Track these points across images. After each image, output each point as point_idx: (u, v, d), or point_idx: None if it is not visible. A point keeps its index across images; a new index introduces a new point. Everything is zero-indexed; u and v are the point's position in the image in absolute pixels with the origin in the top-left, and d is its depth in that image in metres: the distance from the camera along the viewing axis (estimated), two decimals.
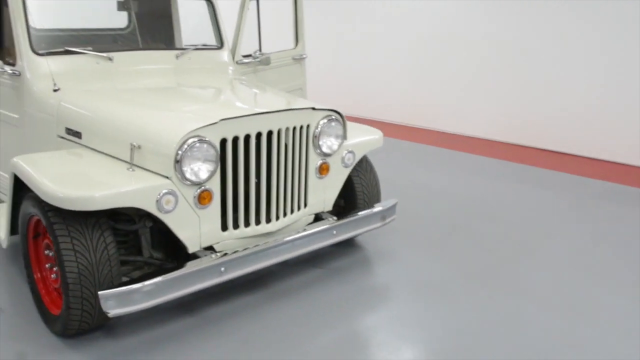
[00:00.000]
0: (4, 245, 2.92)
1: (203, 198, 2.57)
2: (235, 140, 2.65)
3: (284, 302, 2.98)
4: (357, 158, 3.25)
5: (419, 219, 4.27)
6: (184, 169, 2.46)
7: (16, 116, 3.24)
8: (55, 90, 3.01)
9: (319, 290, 3.13)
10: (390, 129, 7.98)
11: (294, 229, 3.00)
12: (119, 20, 4.45)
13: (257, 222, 2.82)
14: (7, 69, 3.13)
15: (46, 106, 3.00)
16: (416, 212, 4.40)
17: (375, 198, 3.53)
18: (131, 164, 2.54)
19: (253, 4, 4.17)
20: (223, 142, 2.61)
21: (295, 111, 2.84)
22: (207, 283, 2.57)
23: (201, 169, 2.51)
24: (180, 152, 2.45)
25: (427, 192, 5.00)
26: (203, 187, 2.56)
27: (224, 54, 3.94)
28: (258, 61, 4.12)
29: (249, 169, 2.72)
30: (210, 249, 2.71)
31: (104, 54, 3.31)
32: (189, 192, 2.53)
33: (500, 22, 7.22)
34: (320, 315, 2.88)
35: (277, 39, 4.86)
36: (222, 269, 2.60)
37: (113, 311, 2.31)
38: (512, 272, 3.41)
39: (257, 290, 3.07)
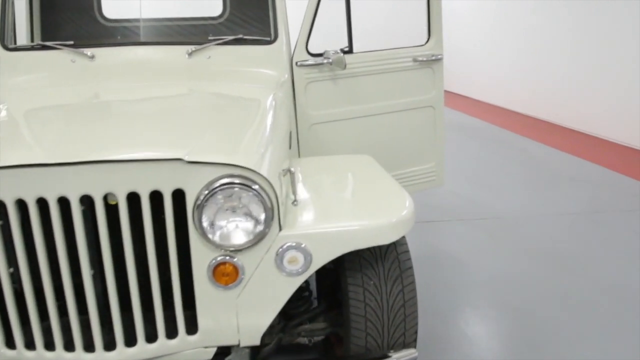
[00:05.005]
0: None
1: None
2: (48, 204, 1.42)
3: None
4: (321, 261, 1.57)
5: None
6: None
7: None
8: None
9: None
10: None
11: None
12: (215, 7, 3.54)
13: (69, 345, 1.55)
14: None
15: None
16: None
17: (397, 334, 1.75)
18: None
19: None
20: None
21: (126, 164, 1.40)
22: None
23: None
24: None
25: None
26: None
27: (276, 52, 2.60)
28: (329, 63, 2.64)
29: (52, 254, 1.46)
30: None
31: (86, 51, 2.44)
32: None
33: None
34: None
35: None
36: None
37: None
38: None
39: None
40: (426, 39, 2.93)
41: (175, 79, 2.41)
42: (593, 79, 6.28)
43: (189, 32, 3.20)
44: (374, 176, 1.96)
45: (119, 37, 3.26)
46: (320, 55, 2.66)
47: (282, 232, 1.53)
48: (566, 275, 3.01)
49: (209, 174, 1.44)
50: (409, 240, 3.49)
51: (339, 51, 2.58)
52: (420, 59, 2.88)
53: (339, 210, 1.66)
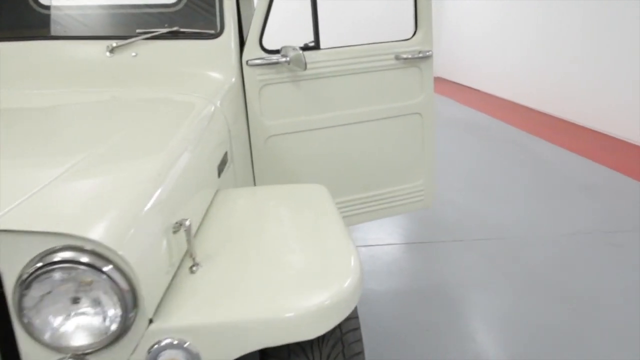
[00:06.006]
0: None
1: None
2: None
3: None
4: None
5: None
6: None
7: None
8: None
9: None
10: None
11: None
12: None
13: None
14: None
15: None
16: None
17: None
18: None
19: None
20: None
21: None
22: None
23: None
24: None
25: None
26: None
27: (221, 48, 2.08)
28: (286, 62, 2.12)
29: None
30: None
31: None
32: None
33: None
34: None
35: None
36: None
37: None
38: None
39: None
40: (412, 32, 2.39)
41: (86, 84, 1.91)
42: (613, 72, 5.66)
43: (135, 23, 2.70)
44: (318, 220, 1.44)
45: (58, 28, 2.77)
46: (277, 52, 2.14)
47: (154, 325, 1.03)
48: (583, 319, 2.49)
49: (36, 246, 0.94)
50: (389, 267, 2.98)
51: (297, 47, 2.05)
52: (405, 56, 2.34)
53: (251, 283, 1.16)
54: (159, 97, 1.76)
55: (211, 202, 1.54)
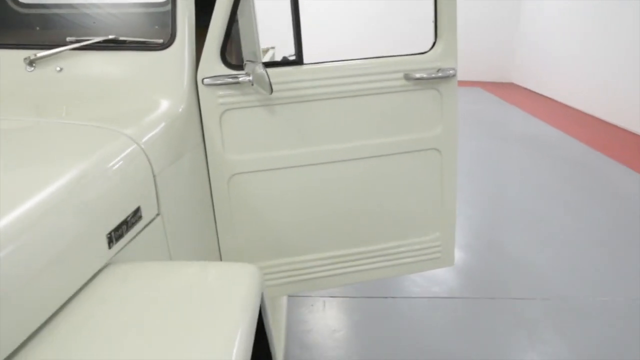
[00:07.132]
0: None
1: None
2: None
3: None
4: None
5: None
6: None
7: None
8: None
9: None
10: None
11: None
12: None
13: None
14: None
15: None
16: None
17: None
18: None
19: None
20: None
21: None
22: None
23: None
24: None
25: None
26: None
27: (170, 63, 1.62)
28: (249, 82, 1.62)
29: None
30: None
31: None
32: None
33: None
34: None
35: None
36: None
37: None
38: None
39: None
40: (431, 44, 1.82)
41: (32, 100, 1.51)
42: None
43: (122, 24, 2.33)
44: (209, 332, 0.95)
45: (37, 29, 2.47)
46: (239, 66, 1.65)
47: None
48: None
49: None
50: (398, 330, 2.41)
51: (261, 64, 1.55)
52: (418, 75, 1.77)
53: None
54: (51, 131, 1.32)
55: (85, 285, 1.09)
